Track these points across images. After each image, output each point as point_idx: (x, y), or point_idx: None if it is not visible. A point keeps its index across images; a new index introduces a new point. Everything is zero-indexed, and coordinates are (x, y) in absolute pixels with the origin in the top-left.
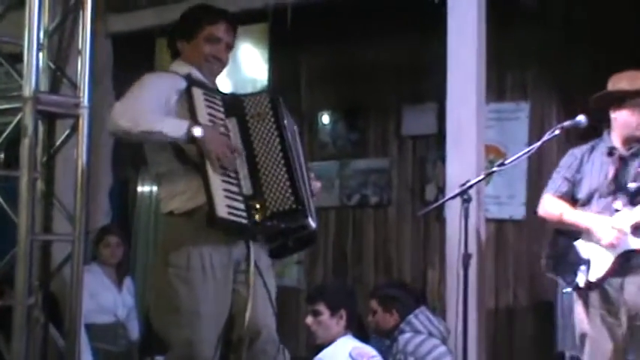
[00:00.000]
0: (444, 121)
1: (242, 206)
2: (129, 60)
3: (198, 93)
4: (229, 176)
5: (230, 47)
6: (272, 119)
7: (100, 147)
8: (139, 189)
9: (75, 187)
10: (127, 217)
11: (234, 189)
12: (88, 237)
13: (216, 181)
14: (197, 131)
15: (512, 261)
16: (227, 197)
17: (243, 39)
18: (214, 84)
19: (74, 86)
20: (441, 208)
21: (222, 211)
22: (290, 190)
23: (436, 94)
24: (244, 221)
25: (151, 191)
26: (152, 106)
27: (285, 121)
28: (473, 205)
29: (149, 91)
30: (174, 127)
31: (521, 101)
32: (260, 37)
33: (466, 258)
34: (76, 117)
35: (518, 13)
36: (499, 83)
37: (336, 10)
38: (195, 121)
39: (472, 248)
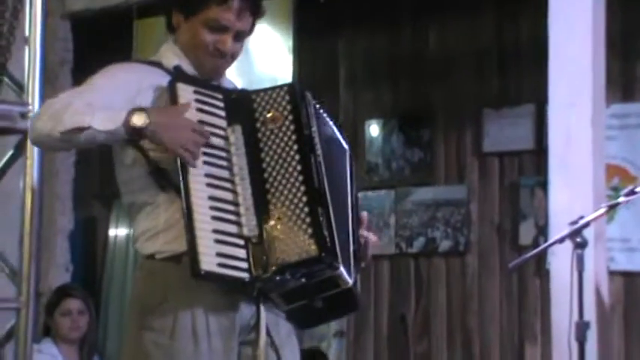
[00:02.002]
0: (544, 132)
1: (241, 253)
2: (96, 50)
3: (185, 91)
4: (224, 210)
5: (242, 35)
6: (291, 126)
7: (56, 174)
8: (112, 232)
9: (21, 231)
10: (94, 273)
11: (231, 228)
12: (39, 302)
13: (204, 217)
14: (138, 118)
15: None
16: (218, 241)
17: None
18: (218, 80)
19: (20, 88)
20: (542, 257)
21: (209, 262)
22: (310, 230)
23: (533, 93)
24: (243, 275)
25: (127, 235)
26: (97, 105)
27: (314, 128)
28: (590, 252)
29: (101, 85)
30: (108, 117)
31: None
32: (282, 16)
33: (581, 328)
34: (23, 132)
35: None
36: (625, 77)
37: None
38: (136, 108)
39: (590, 314)
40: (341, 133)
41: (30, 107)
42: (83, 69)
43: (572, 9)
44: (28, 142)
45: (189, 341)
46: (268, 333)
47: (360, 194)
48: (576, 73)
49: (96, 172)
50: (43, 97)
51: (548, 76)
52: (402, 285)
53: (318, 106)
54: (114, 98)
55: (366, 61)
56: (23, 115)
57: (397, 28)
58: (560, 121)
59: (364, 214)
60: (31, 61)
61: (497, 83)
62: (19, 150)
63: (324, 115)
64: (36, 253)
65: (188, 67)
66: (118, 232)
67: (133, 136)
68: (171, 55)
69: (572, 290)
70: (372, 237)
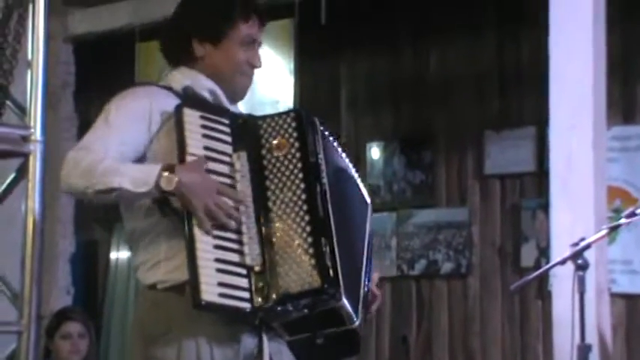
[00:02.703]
0: (545, 154)
1: (243, 283)
2: (98, 72)
3: (192, 117)
4: (227, 239)
5: (260, 46)
6: (297, 153)
7: (58, 198)
8: (113, 255)
9: (22, 254)
10: (95, 296)
11: (234, 257)
12: (41, 325)
13: (206, 246)
14: (168, 182)
15: None
16: (220, 271)
17: None
18: (232, 103)
19: (22, 112)
20: (544, 279)
21: (210, 292)
22: (313, 261)
23: (534, 115)
24: (244, 305)
25: (129, 259)
26: (119, 148)
27: (321, 156)
28: (591, 275)
29: (117, 124)
30: (139, 179)
31: None
32: (283, 39)
33: (583, 351)
34: (25, 155)
35: None
36: (626, 99)
37: (389, 0)
38: (169, 165)
39: (592, 337)
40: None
41: (32, 130)
42: (85, 92)
43: (572, 32)
44: (30, 166)
45: None
46: None
47: None
48: (577, 96)
49: None
50: (45, 121)
51: (549, 99)
52: (403, 307)
53: (327, 133)
54: (134, 133)
55: (368, 84)
56: (25, 139)
57: (398, 51)
58: (561, 143)
59: (375, 275)
60: (33, 85)
61: (498, 105)
62: (21, 173)
63: (334, 143)
64: (37, 276)
65: (208, 84)
66: (119, 255)
67: (163, 195)
68: (181, 78)
69: (573, 312)
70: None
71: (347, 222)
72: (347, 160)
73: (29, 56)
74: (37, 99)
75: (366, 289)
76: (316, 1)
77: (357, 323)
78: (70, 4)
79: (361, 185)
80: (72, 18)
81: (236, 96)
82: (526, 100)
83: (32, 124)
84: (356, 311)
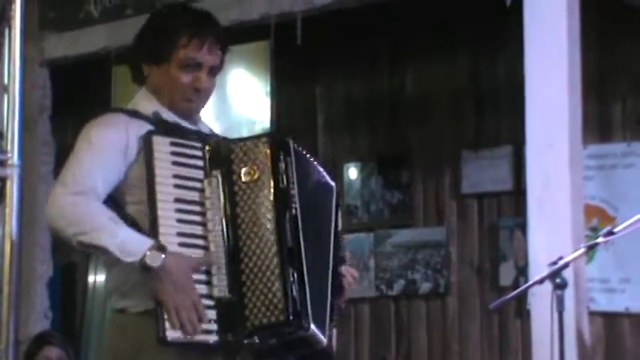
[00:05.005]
0: (522, 173)
1: (211, 314)
2: (74, 96)
3: (161, 145)
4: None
5: (214, 71)
6: (267, 180)
7: (34, 221)
8: (91, 279)
9: (0, 280)
10: (73, 320)
11: (201, 289)
12: (18, 350)
13: None
14: (154, 259)
15: None
16: None
17: (235, 63)
18: (196, 121)
19: None
20: (523, 298)
21: (174, 328)
22: (279, 294)
23: (510, 134)
24: (211, 338)
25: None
26: (104, 186)
27: (293, 180)
28: (570, 294)
29: (94, 158)
30: (127, 249)
31: (636, 141)
32: (259, 60)
33: None
34: (2, 180)
35: (629, 18)
36: (602, 118)
37: (365, 21)
38: (158, 245)
39: (571, 356)
40: (328, 174)
41: (9, 155)
42: (62, 116)
43: (548, 51)
44: (7, 190)
45: None
46: None
47: None
48: (553, 115)
49: None
50: (22, 145)
51: (525, 118)
52: (382, 328)
53: (303, 151)
54: (114, 166)
55: (344, 105)
56: (2, 163)
57: (374, 71)
58: (538, 162)
59: (346, 254)
60: (10, 109)
61: (474, 125)
62: None
63: (309, 159)
64: (15, 300)
65: (163, 111)
66: (97, 278)
67: (144, 270)
68: (147, 103)
69: (552, 331)
70: (349, 278)
71: (318, 240)
72: (321, 170)
73: (6, 81)
74: (14, 123)
75: (334, 296)
76: (292, 22)
77: (325, 342)
78: (46, 29)
79: (332, 183)
80: (48, 42)
81: (187, 117)
82: (503, 119)
83: (9, 148)
84: (324, 330)
